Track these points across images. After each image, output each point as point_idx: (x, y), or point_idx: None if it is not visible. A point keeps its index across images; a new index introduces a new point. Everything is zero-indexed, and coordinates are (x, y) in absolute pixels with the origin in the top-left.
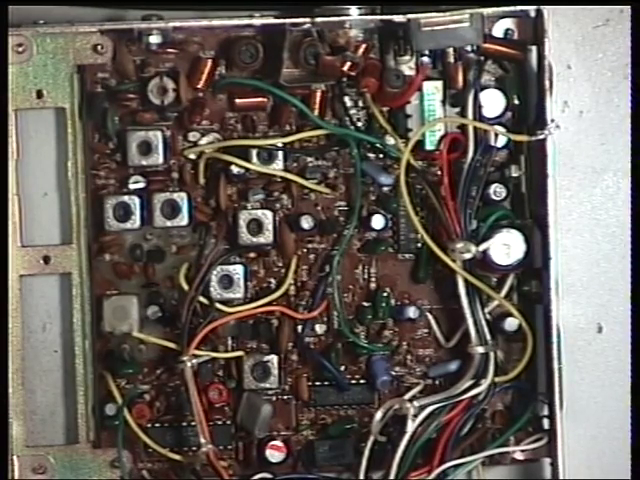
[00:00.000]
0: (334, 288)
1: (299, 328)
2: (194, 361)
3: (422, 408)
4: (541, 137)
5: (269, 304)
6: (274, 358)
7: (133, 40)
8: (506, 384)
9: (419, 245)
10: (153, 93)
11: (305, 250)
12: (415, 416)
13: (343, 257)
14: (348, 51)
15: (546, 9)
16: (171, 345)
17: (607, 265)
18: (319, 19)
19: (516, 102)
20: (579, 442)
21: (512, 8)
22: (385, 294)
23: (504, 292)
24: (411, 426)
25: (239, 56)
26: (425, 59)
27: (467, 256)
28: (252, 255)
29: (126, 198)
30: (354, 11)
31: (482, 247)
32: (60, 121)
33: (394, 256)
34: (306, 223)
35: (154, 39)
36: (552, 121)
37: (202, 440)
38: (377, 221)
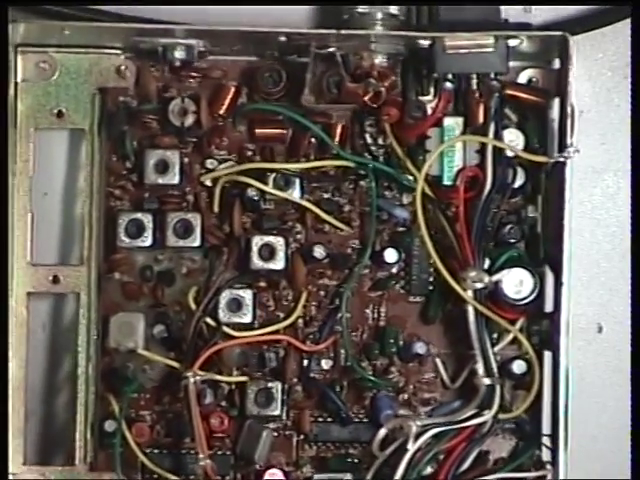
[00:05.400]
0: (343, 326)
1: (305, 362)
2: (197, 378)
3: (425, 430)
4: (560, 160)
5: (276, 332)
6: (278, 385)
7: (157, 60)
8: (510, 420)
9: (431, 288)
10: (174, 114)
11: (316, 288)
12: (417, 437)
13: (353, 295)
14: (371, 77)
15: (573, 58)
16: (175, 364)
17: (607, 265)
18: (344, 31)
19: (536, 145)
20: (579, 443)
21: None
22: (394, 333)
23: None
24: (412, 445)
25: (262, 82)
26: (448, 85)
27: (479, 285)
28: (262, 284)
29: (139, 215)
30: (378, 28)
31: (495, 277)
32: (76, 139)
33: (404, 297)
34: (319, 253)
35: (178, 54)
36: (571, 145)
37: (201, 455)
38: (390, 255)
